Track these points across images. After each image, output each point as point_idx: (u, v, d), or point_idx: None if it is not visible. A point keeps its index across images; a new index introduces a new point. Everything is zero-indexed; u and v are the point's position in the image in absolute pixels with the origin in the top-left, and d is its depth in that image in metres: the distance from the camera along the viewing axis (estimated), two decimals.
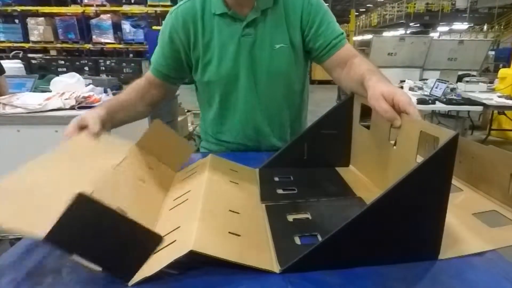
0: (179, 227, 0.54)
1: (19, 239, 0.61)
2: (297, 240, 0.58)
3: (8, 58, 4.31)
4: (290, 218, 0.65)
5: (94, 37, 11.17)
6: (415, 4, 17.80)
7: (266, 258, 0.52)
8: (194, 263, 0.50)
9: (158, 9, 11.10)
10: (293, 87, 1.08)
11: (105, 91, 2.12)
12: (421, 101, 3.52)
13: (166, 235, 0.53)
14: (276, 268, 0.51)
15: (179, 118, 3.73)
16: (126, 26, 11.02)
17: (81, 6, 10.28)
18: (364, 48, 8.81)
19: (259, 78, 1.01)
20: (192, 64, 1.03)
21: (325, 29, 0.98)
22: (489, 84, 4.44)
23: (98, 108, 0.84)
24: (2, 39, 10.87)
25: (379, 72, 0.80)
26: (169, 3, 10.76)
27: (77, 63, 10.09)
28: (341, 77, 0.96)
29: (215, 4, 0.96)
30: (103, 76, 7.72)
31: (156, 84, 1.03)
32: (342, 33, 0.99)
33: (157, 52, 1.04)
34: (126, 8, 10.14)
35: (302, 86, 1.12)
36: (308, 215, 0.66)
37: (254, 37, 0.98)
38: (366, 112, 0.76)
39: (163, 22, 1.05)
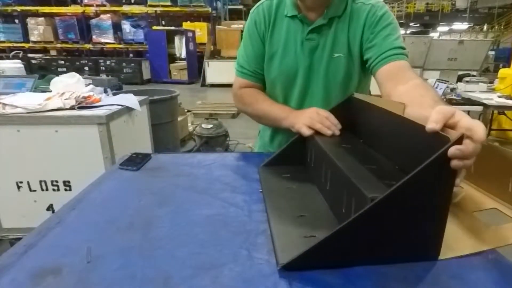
0: None
1: (19, 239, 0.61)
2: (299, 238, 0.58)
3: (8, 58, 4.30)
4: (293, 215, 0.66)
5: (94, 37, 11.17)
6: (415, 4, 17.81)
7: None
8: None
9: (158, 9, 11.13)
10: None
11: (105, 91, 2.12)
12: None
13: None
14: None
15: (179, 118, 3.73)
16: (126, 26, 11.05)
17: (81, 6, 10.27)
18: None
19: (315, 82, 1.04)
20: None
21: (381, 40, 0.95)
22: (489, 84, 4.44)
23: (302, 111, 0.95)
24: (2, 39, 10.86)
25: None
26: (169, 3, 10.80)
27: (77, 63, 10.12)
28: (389, 95, 0.86)
29: (288, 7, 1.02)
30: (103, 76, 7.75)
31: (258, 87, 1.12)
32: (401, 48, 0.93)
33: (248, 55, 1.08)
34: (126, 8, 10.13)
35: None
36: (307, 213, 0.66)
37: (316, 43, 1.01)
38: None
39: (247, 22, 1.11)
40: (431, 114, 0.51)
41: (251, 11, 1.08)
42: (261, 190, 0.78)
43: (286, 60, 1.04)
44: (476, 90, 4.12)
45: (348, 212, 0.58)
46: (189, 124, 4.46)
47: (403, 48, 0.94)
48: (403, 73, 0.89)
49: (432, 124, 0.50)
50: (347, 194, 0.60)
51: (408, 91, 0.79)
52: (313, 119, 0.85)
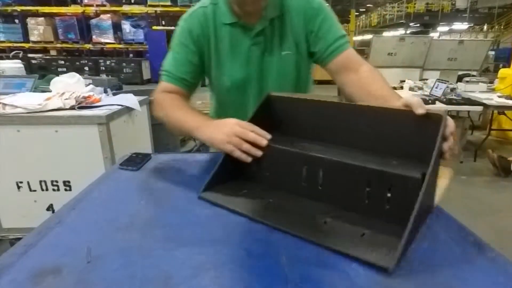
0: None
1: (19, 239, 0.61)
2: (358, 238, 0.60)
3: (8, 58, 4.30)
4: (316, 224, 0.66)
5: (94, 37, 11.14)
6: (415, 4, 17.81)
7: None
8: None
9: (158, 9, 11.12)
10: (298, 91, 1.10)
11: (105, 91, 2.12)
12: None
13: None
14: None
15: None
16: (126, 26, 11.03)
17: (81, 6, 10.25)
18: (364, 48, 8.81)
19: (269, 83, 1.05)
20: (205, 68, 1.05)
21: (325, 32, 0.98)
22: (489, 84, 4.44)
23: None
24: (2, 39, 10.84)
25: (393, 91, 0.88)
26: (169, 3, 10.79)
27: (77, 63, 10.11)
28: (345, 83, 0.97)
29: (224, 14, 0.98)
30: (103, 76, 7.75)
31: (183, 94, 1.03)
32: (344, 36, 0.99)
33: (177, 61, 1.01)
34: (126, 8, 10.10)
35: (306, 89, 1.14)
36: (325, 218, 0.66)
37: (263, 45, 1.01)
38: None
39: (177, 30, 1.03)
40: (411, 102, 0.65)
41: (183, 18, 1.02)
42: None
43: (236, 69, 1.02)
44: (476, 90, 4.12)
45: (378, 200, 0.63)
46: None
47: (345, 36, 0.99)
48: (352, 61, 0.97)
49: (421, 109, 0.63)
50: (371, 184, 0.64)
51: (361, 80, 0.93)
52: (237, 136, 0.76)
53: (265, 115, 0.83)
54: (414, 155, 0.65)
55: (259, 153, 0.75)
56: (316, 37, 0.99)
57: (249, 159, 0.75)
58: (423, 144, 0.63)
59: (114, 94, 2.13)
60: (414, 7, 17.82)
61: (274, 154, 0.75)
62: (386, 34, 15.47)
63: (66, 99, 1.76)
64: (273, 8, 0.98)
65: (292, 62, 1.03)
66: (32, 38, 10.69)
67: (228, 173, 0.79)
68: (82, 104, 1.79)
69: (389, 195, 0.62)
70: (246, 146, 0.75)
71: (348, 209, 0.67)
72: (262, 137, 0.75)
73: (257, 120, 0.80)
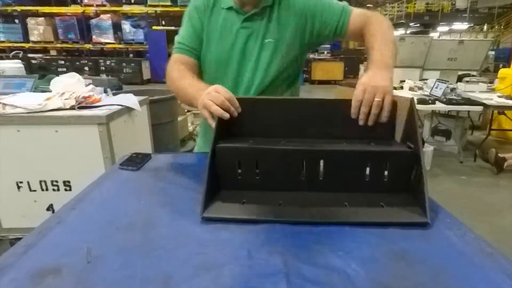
0: None
1: (19, 239, 0.61)
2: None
3: (8, 58, 4.30)
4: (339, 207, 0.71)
5: (94, 37, 11.13)
6: (415, 4, 17.80)
7: None
8: None
9: (158, 9, 11.10)
10: (276, 81, 1.12)
11: (105, 91, 2.11)
12: (421, 101, 3.52)
13: None
14: None
15: (179, 118, 3.73)
16: (126, 26, 11.02)
17: (81, 6, 10.25)
18: (364, 47, 8.80)
19: (246, 67, 1.11)
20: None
21: (330, 13, 1.06)
22: (489, 84, 4.44)
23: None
24: (2, 39, 10.84)
25: (383, 49, 0.95)
26: (169, 3, 10.78)
27: (77, 63, 10.10)
28: (364, 35, 1.08)
29: (225, 1, 1.09)
30: (103, 76, 7.75)
31: (192, 65, 1.10)
32: (343, 7, 1.07)
33: (187, 32, 1.11)
34: (126, 8, 10.11)
35: (292, 83, 1.18)
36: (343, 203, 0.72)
37: (250, 30, 1.08)
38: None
39: (188, 5, 1.15)
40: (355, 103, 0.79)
41: None
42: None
43: (221, 48, 1.09)
44: (476, 90, 4.13)
45: (377, 176, 0.73)
46: (189, 124, 4.46)
47: (343, 6, 1.07)
48: (361, 25, 1.05)
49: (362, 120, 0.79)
50: (370, 164, 0.72)
51: (364, 36, 1.03)
52: (210, 99, 0.79)
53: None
54: (377, 136, 0.78)
55: (235, 114, 0.79)
56: (323, 19, 1.07)
57: (226, 115, 0.77)
58: (384, 126, 0.77)
59: (114, 94, 2.12)
60: (414, 7, 17.80)
61: (264, 156, 0.74)
62: None
63: (66, 99, 1.75)
64: None
65: (271, 50, 1.09)
66: (32, 38, 10.68)
67: (216, 184, 0.75)
68: (82, 104, 1.79)
69: (386, 172, 0.73)
70: (224, 103, 0.78)
71: (352, 191, 0.73)
72: (234, 109, 0.80)
73: (222, 122, 0.77)
